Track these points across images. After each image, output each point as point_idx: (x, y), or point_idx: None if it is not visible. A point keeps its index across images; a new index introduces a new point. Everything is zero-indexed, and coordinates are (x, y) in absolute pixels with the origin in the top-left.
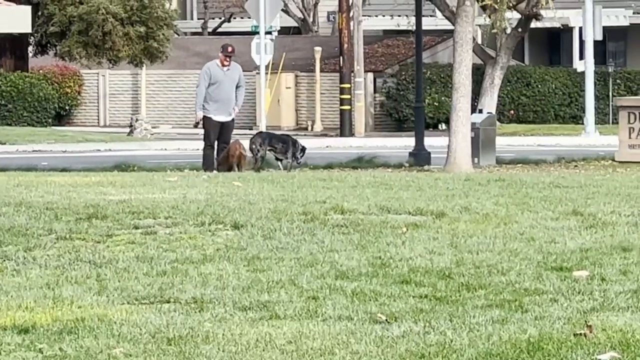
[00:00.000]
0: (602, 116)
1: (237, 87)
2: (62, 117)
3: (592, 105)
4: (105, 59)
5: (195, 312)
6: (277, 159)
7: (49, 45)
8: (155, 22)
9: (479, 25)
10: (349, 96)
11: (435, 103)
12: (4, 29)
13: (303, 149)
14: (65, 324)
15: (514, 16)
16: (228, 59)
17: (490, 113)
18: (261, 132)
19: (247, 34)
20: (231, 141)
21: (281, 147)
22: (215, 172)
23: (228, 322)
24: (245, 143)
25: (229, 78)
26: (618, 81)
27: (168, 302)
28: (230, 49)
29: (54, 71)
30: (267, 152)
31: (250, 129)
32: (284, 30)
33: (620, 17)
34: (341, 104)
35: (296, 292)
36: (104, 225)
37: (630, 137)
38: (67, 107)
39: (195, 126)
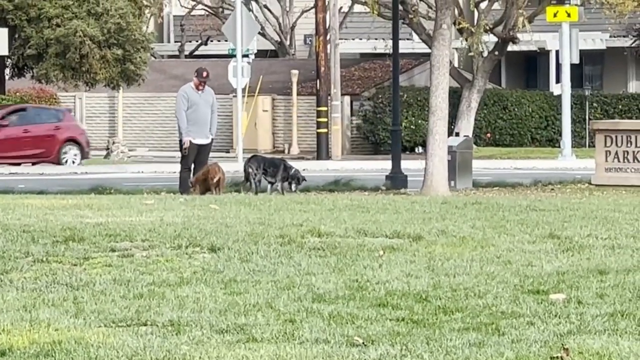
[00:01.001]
0: (578, 139)
1: (210, 112)
2: None
3: (568, 128)
4: (82, 81)
5: (172, 335)
6: (269, 182)
7: (25, 67)
8: (133, 45)
9: (456, 49)
10: (325, 119)
11: (412, 126)
12: None
13: (297, 177)
14: (42, 346)
15: (490, 39)
16: (203, 84)
17: (467, 136)
18: (256, 155)
19: (224, 56)
20: (209, 164)
21: (272, 170)
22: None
23: (205, 345)
24: (223, 166)
25: (204, 100)
26: (595, 104)
27: (145, 324)
28: (205, 74)
29: (31, 94)
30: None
31: (227, 152)
32: (261, 53)
33: (597, 41)
34: (318, 127)
35: (273, 315)
36: (81, 247)
37: (606, 161)
38: None
39: (183, 152)
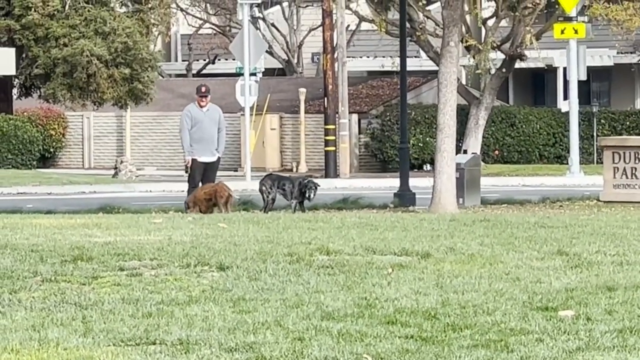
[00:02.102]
0: (586, 156)
1: (217, 130)
2: (46, 160)
3: (576, 145)
4: (89, 101)
5: (181, 353)
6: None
7: (33, 87)
8: (140, 64)
9: (464, 66)
10: (333, 137)
11: (420, 144)
12: None
13: (312, 186)
14: None
15: (498, 57)
16: (204, 99)
17: (475, 153)
18: (271, 174)
19: (231, 75)
20: (216, 182)
21: (290, 189)
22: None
23: None
24: (229, 185)
25: (209, 118)
26: (602, 121)
27: (154, 343)
28: (203, 89)
29: (38, 113)
30: (277, 194)
31: (235, 170)
32: (269, 72)
33: (604, 57)
34: (326, 145)
35: (282, 333)
36: (90, 267)
37: (614, 177)
38: (51, 150)
39: (187, 171)
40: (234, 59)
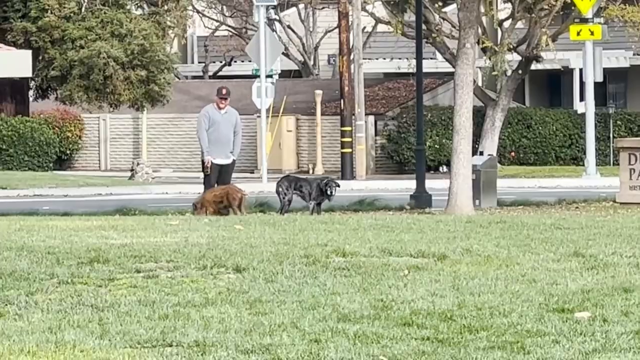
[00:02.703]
0: (602, 157)
1: (234, 133)
2: (63, 162)
3: (592, 146)
4: (106, 103)
5: (198, 355)
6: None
7: (49, 89)
8: (156, 66)
9: (480, 68)
10: (350, 139)
11: (436, 145)
12: (5, 74)
13: (332, 184)
14: None
15: (514, 58)
16: (223, 101)
17: (491, 155)
18: (288, 175)
19: (247, 77)
20: (226, 185)
21: (307, 190)
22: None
23: None
24: (244, 186)
25: (226, 121)
26: (619, 122)
27: (170, 345)
28: (224, 91)
29: (55, 115)
30: (294, 195)
31: (252, 172)
32: (285, 74)
33: (620, 59)
34: (342, 147)
35: (298, 335)
36: (106, 269)
37: (631, 179)
38: (68, 152)
39: (205, 171)
40: (250, 61)
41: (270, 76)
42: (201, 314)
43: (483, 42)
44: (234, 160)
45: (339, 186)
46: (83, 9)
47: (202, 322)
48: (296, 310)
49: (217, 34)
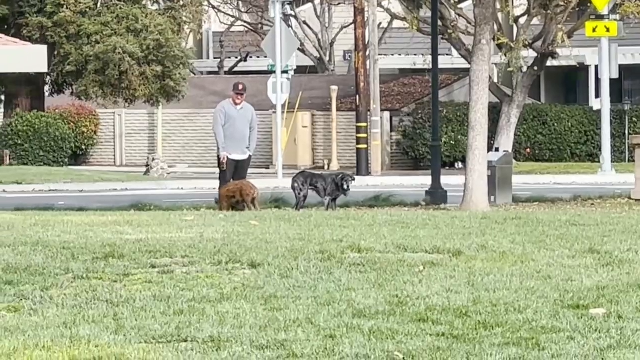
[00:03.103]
0: (618, 154)
1: (250, 128)
2: (78, 157)
3: (608, 143)
4: (121, 98)
5: (213, 351)
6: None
7: (65, 84)
8: (172, 62)
9: (495, 64)
10: (365, 135)
11: (451, 142)
12: (20, 69)
13: (343, 181)
14: None
15: (530, 55)
16: (240, 97)
17: (507, 151)
18: (303, 171)
19: (263, 73)
20: (240, 181)
21: (323, 186)
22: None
23: None
24: (260, 182)
25: (242, 117)
26: (634, 119)
27: (185, 341)
28: (241, 86)
29: (70, 110)
30: (309, 191)
31: (267, 168)
32: (301, 69)
33: (636, 55)
34: (358, 143)
35: (313, 330)
36: (121, 264)
37: None
38: (83, 147)
39: (221, 167)
40: (265, 57)
41: (285, 72)
42: (216, 310)
43: (499, 39)
44: (250, 156)
45: (354, 179)
46: (99, 4)
47: (217, 318)
48: (311, 306)
49: (232, 29)
